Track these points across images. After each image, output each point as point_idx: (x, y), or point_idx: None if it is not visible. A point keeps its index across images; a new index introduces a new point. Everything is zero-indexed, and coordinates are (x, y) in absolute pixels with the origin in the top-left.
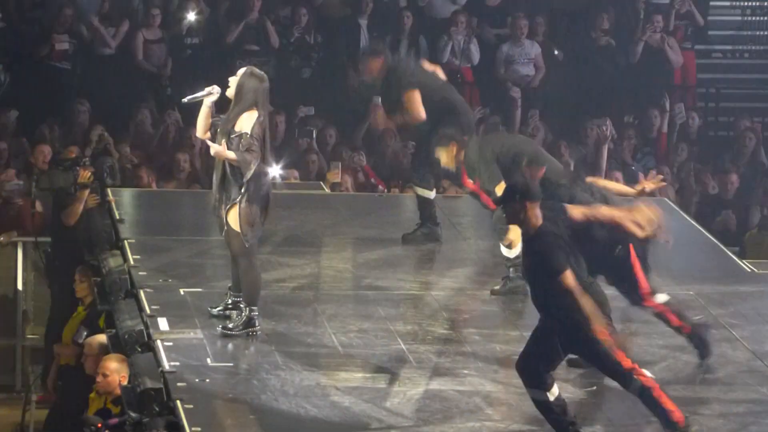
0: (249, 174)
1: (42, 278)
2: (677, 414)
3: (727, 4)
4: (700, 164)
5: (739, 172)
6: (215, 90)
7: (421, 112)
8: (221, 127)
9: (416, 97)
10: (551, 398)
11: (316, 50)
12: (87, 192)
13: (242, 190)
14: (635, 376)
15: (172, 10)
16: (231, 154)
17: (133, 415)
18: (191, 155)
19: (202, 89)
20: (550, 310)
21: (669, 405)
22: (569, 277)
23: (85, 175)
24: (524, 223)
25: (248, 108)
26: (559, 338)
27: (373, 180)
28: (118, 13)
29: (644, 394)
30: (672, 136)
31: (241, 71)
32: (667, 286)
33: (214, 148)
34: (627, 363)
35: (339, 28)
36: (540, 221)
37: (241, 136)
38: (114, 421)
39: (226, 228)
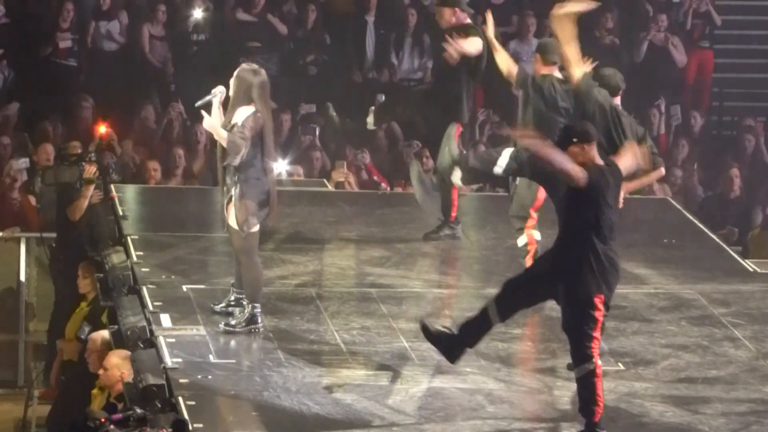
0: (237, 160)
1: (45, 274)
2: (600, 409)
3: (732, 3)
4: (704, 163)
5: (743, 172)
6: (220, 90)
7: (472, 51)
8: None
9: (477, 42)
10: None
11: (323, 48)
12: (92, 187)
13: (236, 181)
14: (594, 360)
15: (177, 6)
16: (222, 132)
17: (138, 411)
18: (188, 151)
19: (208, 89)
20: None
21: (600, 397)
22: None
23: (91, 170)
24: (584, 165)
25: (244, 103)
26: (563, 286)
27: (375, 178)
28: (120, 8)
29: (588, 378)
30: (669, 137)
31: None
32: (669, 285)
33: (208, 121)
34: (595, 346)
35: (345, 25)
36: (600, 162)
37: (233, 126)
38: (118, 416)
39: (227, 224)
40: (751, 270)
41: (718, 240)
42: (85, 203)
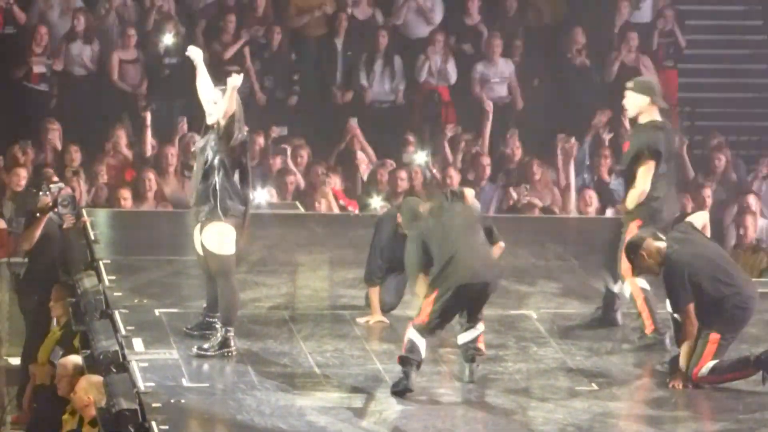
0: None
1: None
2: None
3: (702, 23)
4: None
5: (713, 190)
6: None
7: None
8: (201, 149)
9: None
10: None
11: (293, 70)
12: (45, 219)
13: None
14: None
15: (147, 30)
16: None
17: None
18: (160, 174)
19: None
20: None
21: None
22: None
23: (45, 201)
24: None
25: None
26: None
27: (342, 202)
28: (93, 33)
29: None
30: None
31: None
32: None
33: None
34: None
35: (314, 47)
36: None
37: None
38: None
39: (203, 247)
40: None
41: None
42: (37, 233)
